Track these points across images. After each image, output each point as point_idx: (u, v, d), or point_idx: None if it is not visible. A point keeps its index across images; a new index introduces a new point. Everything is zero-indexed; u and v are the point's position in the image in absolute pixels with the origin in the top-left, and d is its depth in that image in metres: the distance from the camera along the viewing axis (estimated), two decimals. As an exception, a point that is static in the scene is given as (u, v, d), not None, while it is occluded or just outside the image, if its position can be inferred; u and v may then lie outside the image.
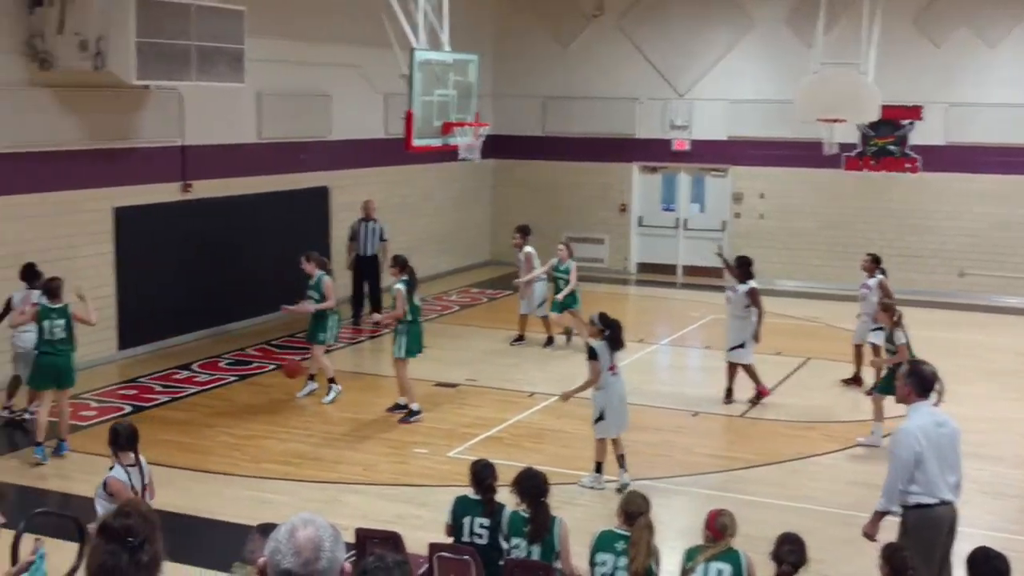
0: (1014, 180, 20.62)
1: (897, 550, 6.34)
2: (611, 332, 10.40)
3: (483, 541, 7.26)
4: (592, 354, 10.43)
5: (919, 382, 7.24)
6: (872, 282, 14.25)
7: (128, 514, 4.19)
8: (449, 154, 15.41)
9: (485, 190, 24.34)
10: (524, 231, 17.24)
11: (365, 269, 17.97)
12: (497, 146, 22.45)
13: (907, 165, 21.47)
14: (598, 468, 10.53)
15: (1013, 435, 12.40)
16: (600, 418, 10.54)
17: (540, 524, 7.06)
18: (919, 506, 7.13)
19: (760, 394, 13.57)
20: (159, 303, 15.95)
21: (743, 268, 13.70)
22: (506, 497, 7.50)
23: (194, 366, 15.14)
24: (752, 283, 13.48)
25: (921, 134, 21.29)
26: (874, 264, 14.56)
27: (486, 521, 7.28)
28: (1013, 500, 10.41)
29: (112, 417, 12.89)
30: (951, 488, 7.17)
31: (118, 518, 4.16)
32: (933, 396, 7.30)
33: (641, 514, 6.76)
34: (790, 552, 6.29)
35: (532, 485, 7.20)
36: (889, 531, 7.28)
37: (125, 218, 15.40)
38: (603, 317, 10.54)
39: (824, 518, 9.62)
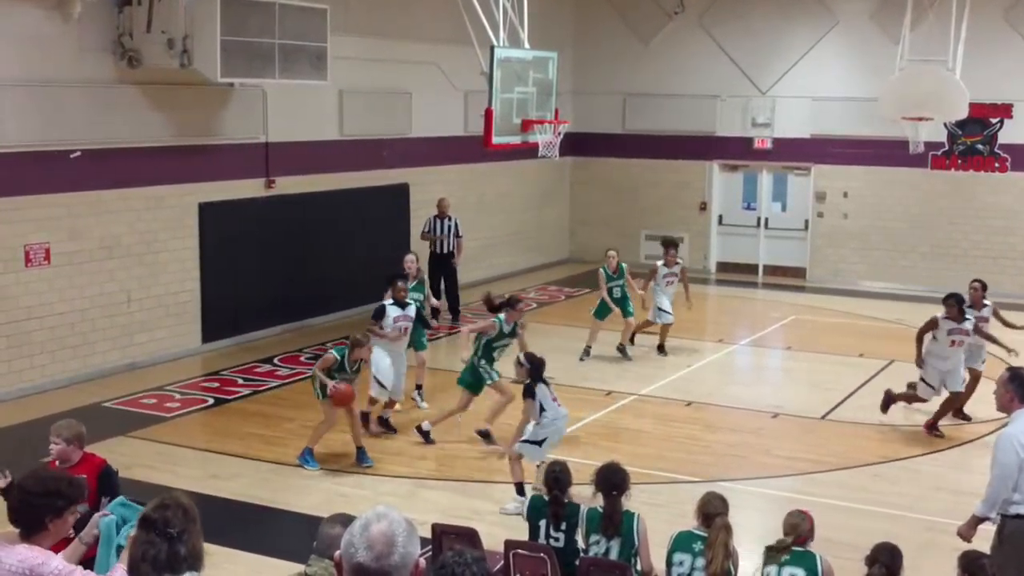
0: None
1: (975, 559, 6.17)
2: (534, 370, 10.12)
3: (560, 544, 7.25)
4: (530, 393, 10.08)
5: (1022, 387, 7.00)
6: (987, 312, 13.16)
7: (167, 506, 4.23)
8: (528, 151, 15.41)
9: (563, 187, 24.31)
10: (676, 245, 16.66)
11: (441, 266, 18.02)
12: (576, 144, 22.40)
13: (996, 164, 20.98)
14: (520, 490, 9.87)
15: None
16: (538, 443, 10.12)
17: (611, 517, 7.03)
18: (1018, 516, 6.91)
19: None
20: (241, 298, 16.18)
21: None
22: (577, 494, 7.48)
23: (275, 360, 15.33)
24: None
25: (1011, 133, 20.78)
26: (984, 291, 13.37)
27: (562, 525, 7.27)
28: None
29: (196, 409, 13.13)
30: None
31: (157, 510, 4.21)
32: None
33: (719, 515, 6.69)
34: (886, 558, 6.19)
35: (604, 478, 7.17)
36: (983, 537, 7.12)
37: (209, 213, 15.64)
38: (529, 356, 10.34)
39: (906, 524, 9.43)
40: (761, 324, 18.50)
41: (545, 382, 10.18)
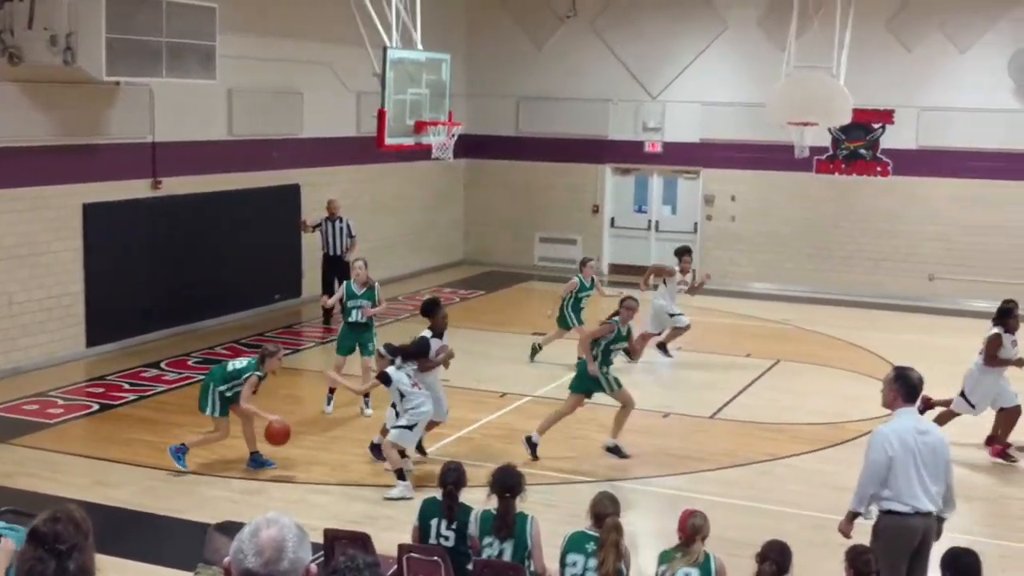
0: (984, 184, 20.77)
1: (861, 553, 6.33)
2: (402, 357, 10.57)
3: (450, 544, 7.23)
4: (386, 381, 10.45)
5: (906, 387, 7.14)
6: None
7: (58, 519, 4.05)
8: (421, 153, 15.38)
9: (457, 189, 24.31)
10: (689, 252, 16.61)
11: (334, 268, 17.85)
12: (470, 146, 22.42)
13: (878, 169, 21.60)
14: (401, 475, 10.27)
15: (983, 439, 12.45)
16: (409, 428, 10.41)
17: (504, 519, 7.04)
18: (891, 512, 7.07)
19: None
20: (127, 300, 15.82)
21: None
22: (474, 498, 7.48)
23: (162, 364, 15.02)
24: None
25: (892, 138, 21.42)
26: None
27: (452, 525, 7.27)
28: (982, 503, 10.46)
29: (80, 415, 12.79)
30: (932, 498, 7.00)
31: (47, 523, 4.03)
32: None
33: (609, 515, 6.74)
34: (776, 555, 6.32)
35: (498, 480, 7.18)
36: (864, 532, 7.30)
37: (94, 214, 15.26)
38: (388, 347, 10.75)
39: (794, 520, 9.64)
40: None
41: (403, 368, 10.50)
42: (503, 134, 23.93)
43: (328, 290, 17.85)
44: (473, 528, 7.20)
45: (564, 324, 15.74)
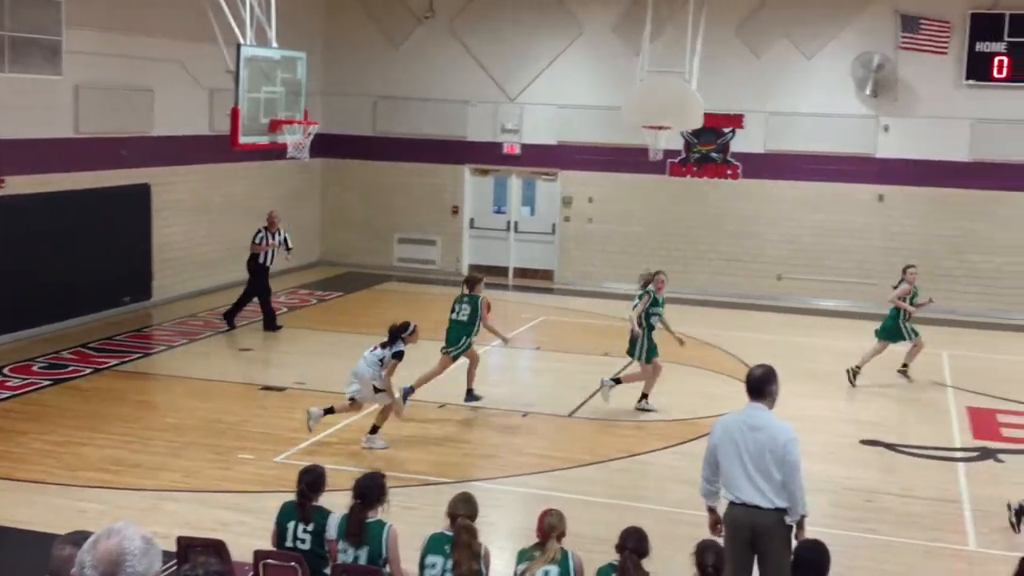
0: (828, 187, 21.52)
1: (704, 548, 6.43)
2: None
3: (306, 547, 7.12)
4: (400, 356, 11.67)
5: (747, 384, 7.30)
6: None
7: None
8: (277, 152, 15.15)
9: (314, 189, 24.02)
10: None
11: (261, 277, 17.41)
12: (327, 145, 22.19)
13: (728, 172, 22.16)
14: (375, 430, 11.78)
15: (828, 434, 12.89)
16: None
17: (354, 526, 6.96)
18: (730, 502, 7.25)
19: None
20: (-33, 304, 15.15)
21: None
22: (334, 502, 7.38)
23: (5, 370, 14.42)
24: None
25: (742, 142, 22.01)
26: None
27: (308, 527, 7.16)
28: (825, 495, 10.80)
29: (-86, 425, 12.18)
30: (761, 492, 7.02)
31: None
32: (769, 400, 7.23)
33: (459, 516, 6.74)
34: (633, 542, 6.41)
35: (357, 486, 7.12)
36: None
37: (-70, 214, 14.57)
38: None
39: (650, 515, 9.79)
40: (511, 325, 18.80)
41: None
42: (361, 134, 23.75)
43: (248, 299, 17.42)
44: (332, 532, 7.11)
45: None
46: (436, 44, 23.24)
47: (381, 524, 7.04)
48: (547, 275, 23.33)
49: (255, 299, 17.40)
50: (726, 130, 22.01)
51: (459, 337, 13.26)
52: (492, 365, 16.65)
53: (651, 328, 13.50)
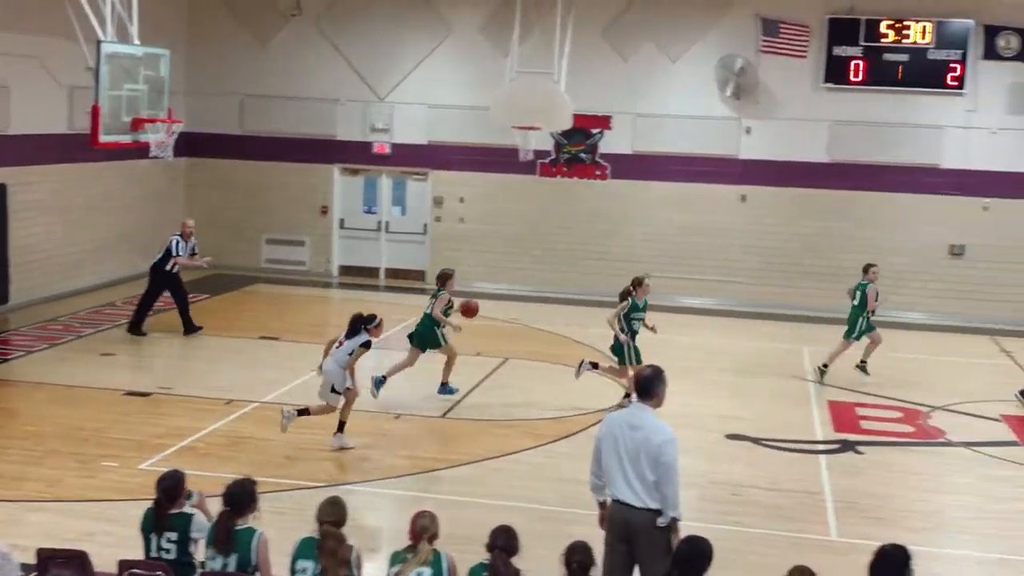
0: (694, 187, 21.97)
1: (572, 548, 6.45)
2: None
3: (171, 556, 6.95)
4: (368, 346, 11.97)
5: (636, 384, 7.44)
6: None
7: None
8: (139, 151, 14.76)
9: (178, 189, 23.48)
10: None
11: (170, 283, 17.02)
12: (192, 144, 21.74)
13: (597, 172, 22.43)
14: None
15: (695, 429, 13.13)
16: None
17: (221, 533, 6.84)
18: (613, 500, 7.32)
19: None
20: None
21: None
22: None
23: None
24: None
25: (610, 143, 22.30)
26: None
27: (172, 535, 6.99)
28: (694, 489, 11.00)
29: None
30: (635, 492, 7.09)
31: None
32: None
33: (327, 522, 6.68)
34: (503, 540, 6.44)
35: (226, 493, 6.98)
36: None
37: None
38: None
39: (522, 514, 9.84)
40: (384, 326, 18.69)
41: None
42: (227, 132, 23.32)
43: (150, 301, 16.91)
44: (197, 536, 6.97)
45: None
46: (304, 42, 22.96)
47: (251, 531, 6.92)
48: (419, 275, 23.27)
49: (157, 302, 17.17)
50: (595, 131, 22.28)
51: (432, 333, 13.95)
52: (364, 367, 16.52)
53: (634, 333, 13.79)
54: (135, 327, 16.87)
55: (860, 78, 21.19)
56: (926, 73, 20.92)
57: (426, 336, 13.97)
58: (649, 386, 7.31)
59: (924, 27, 20.78)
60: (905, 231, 21.44)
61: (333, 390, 11.67)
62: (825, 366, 16.01)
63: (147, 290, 17.02)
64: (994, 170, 21.06)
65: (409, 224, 23.40)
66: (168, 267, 16.90)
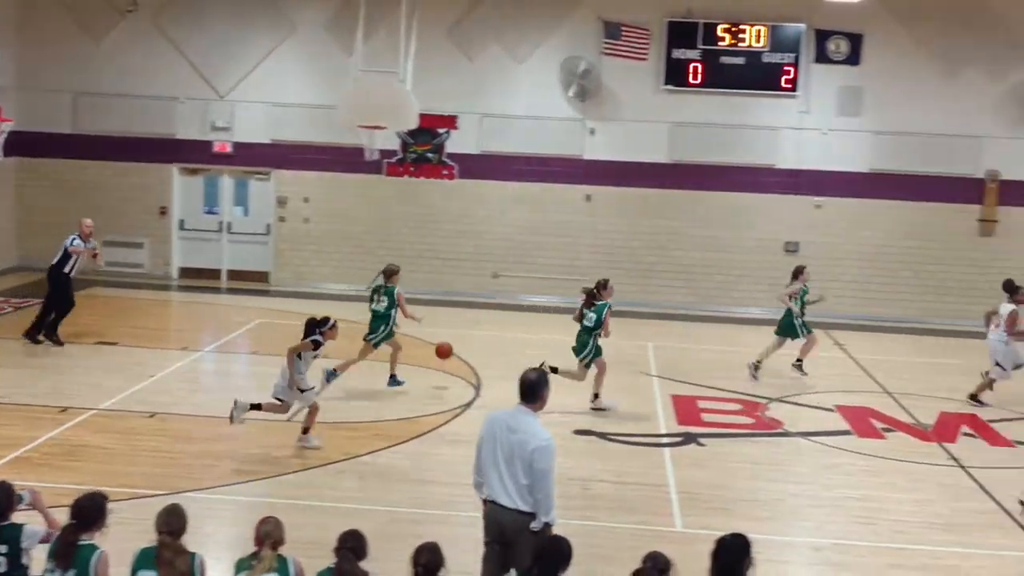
0: (540, 187, 22.18)
1: (420, 549, 6.41)
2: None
3: (3, 569, 6.67)
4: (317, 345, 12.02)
5: (519, 386, 7.35)
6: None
7: None
8: (-35, 151, 14.10)
9: (7, 190, 22.54)
10: None
11: (67, 290, 16.38)
12: (21, 143, 20.87)
13: (444, 172, 22.43)
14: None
15: (546, 426, 13.22)
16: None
17: (61, 547, 6.59)
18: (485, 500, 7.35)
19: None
20: None
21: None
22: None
23: None
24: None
25: (457, 143, 22.33)
26: None
27: (2, 547, 6.70)
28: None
29: None
30: (508, 494, 7.14)
31: None
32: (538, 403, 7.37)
33: (162, 533, 6.51)
34: (352, 543, 6.36)
35: (73, 506, 6.73)
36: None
37: None
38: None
39: (371, 517, 9.77)
40: (226, 329, 18.34)
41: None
42: (59, 131, 22.48)
43: (53, 307, 16.36)
44: (28, 545, 6.70)
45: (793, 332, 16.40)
46: (140, 39, 22.30)
47: (93, 548, 6.67)
48: (262, 277, 22.88)
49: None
50: (441, 131, 22.27)
51: (378, 326, 14.60)
52: (206, 371, 16.17)
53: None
54: (49, 335, 16.29)
55: (699, 80, 21.73)
56: (761, 76, 21.59)
57: (375, 329, 14.72)
58: (534, 389, 7.33)
59: (759, 31, 21.45)
60: (743, 229, 22.09)
61: (301, 391, 11.91)
62: (800, 360, 16.62)
63: (47, 295, 16.42)
64: (825, 170, 21.88)
65: (252, 225, 22.97)
66: (67, 269, 16.35)
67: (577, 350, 14.21)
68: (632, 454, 12.57)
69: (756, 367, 16.33)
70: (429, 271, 22.35)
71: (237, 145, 22.59)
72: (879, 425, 14.27)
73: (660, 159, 22.09)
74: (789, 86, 21.60)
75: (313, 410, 12.01)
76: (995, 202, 21.73)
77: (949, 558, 9.80)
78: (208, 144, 22.62)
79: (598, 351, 14.13)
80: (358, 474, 11.41)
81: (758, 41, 21.49)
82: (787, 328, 16.47)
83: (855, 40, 21.50)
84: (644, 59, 21.68)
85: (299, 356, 11.87)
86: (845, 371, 17.31)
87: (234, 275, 22.89)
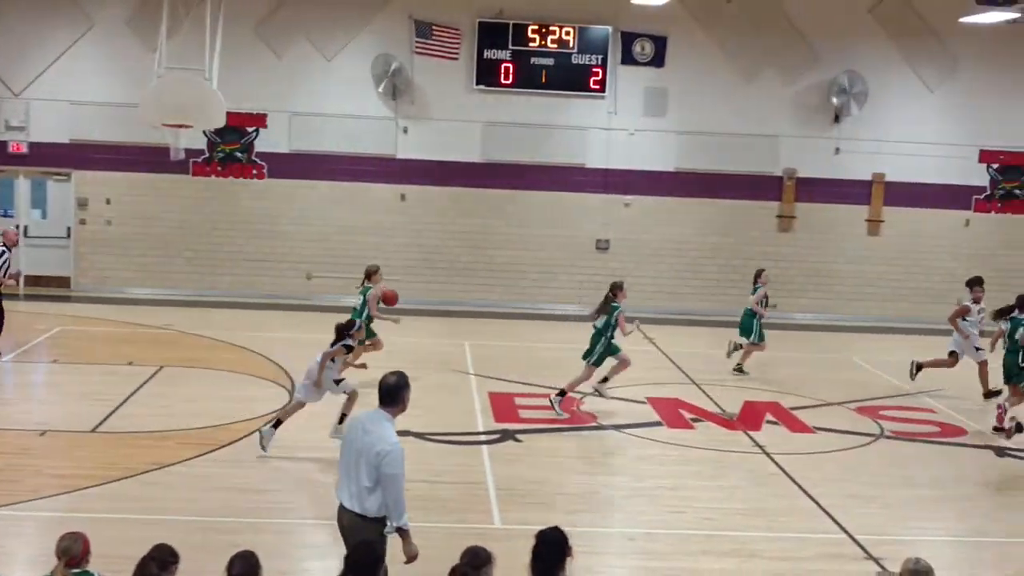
0: (354, 187, 22.00)
1: (233, 557, 6.24)
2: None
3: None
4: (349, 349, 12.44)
5: (379, 389, 7.37)
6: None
7: None
8: None
9: None
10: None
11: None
12: None
13: (254, 171, 21.99)
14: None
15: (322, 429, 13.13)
16: None
17: None
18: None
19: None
20: None
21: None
22: None
23: None
24: None
25: (266, 141, 21.92)
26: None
27: None
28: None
29: None
30: (348, 492, 7.21)
31: None
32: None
33: None
34: (156, 553, 6.16)
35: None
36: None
37: None
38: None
39: (181, 527, 9.48)
40: (25, 337, 17.49)
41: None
42: None
43: None
44: None
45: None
46: (-76, 32, 21.09)
47: None
48: (63, 282, 21.96)
49: None
50: (250, 129, 21.83)
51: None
52: (5, 383, 15.41)
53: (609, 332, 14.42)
54: None
55: (510, 80, 21.95)
56: (570, 76, 21.97)
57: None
58: (392, 392, 7.36)
59: (567, 32, 21.81)
60: (556, 227, 22.43)
61: (336, 382, 12.16)
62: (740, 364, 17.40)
63: None
64: (634, 169, 22.43)
65: (50, 228, 22.01)
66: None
67: (585, 352, 14.49)
68: (450, 453, 12.59)
69: (740, 369, 17.29)
70: (240, 274, 21.88)
71: (33, 145, 21.59)
72: (688, 416, 14.72)
73: (474, 158, 22.21)
74: (598, 87, 22.04)
75: (352, 397, 12.16)
76: (792, 199, 22.73)
77: (755, 542, 10.18)
78: (2, 144, 21.56)
79: (612, 350, 14.45)
80: (166, 484, 11.06)
81: (567, 42, 21.86)
82: (745, 329, 17.34)
83: (659, 43, 22.11)
84: (456, 58, 21.75)
85: (332, 360, 12.14)
86: (655, 364, 17.78)
87: (32, 280, 21.84)
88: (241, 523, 9.85)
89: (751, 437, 13.83)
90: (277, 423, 12.07)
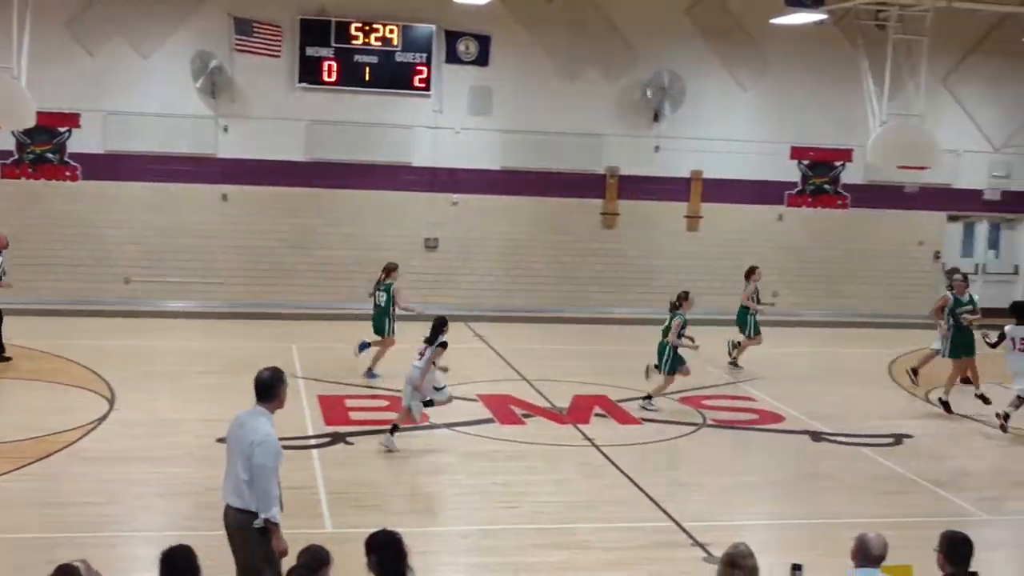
0: (173, 187, 21.38)
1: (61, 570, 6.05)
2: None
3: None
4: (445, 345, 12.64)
5: (254, 385, 7.48)
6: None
7: None
8: None
9: None
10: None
11: None
12: None
13: (67, 173, 21.15)
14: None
15: (186, 435, 12.80)
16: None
17: None
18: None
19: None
20: None
21: None
22: None
23: None
24: None
25: (79, 142, 21.10)
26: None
27: None
28: (188, 498, 10.74)
29: None
30: (226, 488, 7.34)
31: None
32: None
33: None
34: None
35: None
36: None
37: None
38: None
39: (4, 544, 9.06)
40: None
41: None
42: None
43: None
44: None
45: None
46: None
47: None
48: None
49: None
50: (62, 130, 20.98)
51: (381, 321, 16.19)
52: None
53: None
54: None
55: (334, 78, 21.71)
56: (394, 75, 21.88)
57: (378, 324, 16.27)
58: (267, 387, 7.44)
59: (391, 30, 21.71)
60: (383, 226, 22.28)
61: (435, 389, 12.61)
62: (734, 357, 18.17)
63: None
64: (460, 167, 22.49)
65: None
66: None
67: (656, 364, 15.20)
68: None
69: (734, 363, 17.99)
70: (55, 279, 20.98)
71: None
72: (519, 411, 14.87)
73: (298, 157, 21.88)
74: (423, 85, 22.02)
75: (447, 401, 12.95)
76: (615, 196, 23.20)
77: (586, 533, 10.36)
78: None
79: (679, 360, 15.02)
80: (-19, 501, 10.55)
81: (390, 40, 21.76)
82: (740, 324, 18.00)
83: (484, 42, 22.23)
84: (277, 56, 21.38)
85: (433, 364, 12.49)
86: (485, 361, 17.89)
87: None
88: (62, 538, 9.45)
89: (580, 430, 14.05)
90: (394, 428, 12.60)
